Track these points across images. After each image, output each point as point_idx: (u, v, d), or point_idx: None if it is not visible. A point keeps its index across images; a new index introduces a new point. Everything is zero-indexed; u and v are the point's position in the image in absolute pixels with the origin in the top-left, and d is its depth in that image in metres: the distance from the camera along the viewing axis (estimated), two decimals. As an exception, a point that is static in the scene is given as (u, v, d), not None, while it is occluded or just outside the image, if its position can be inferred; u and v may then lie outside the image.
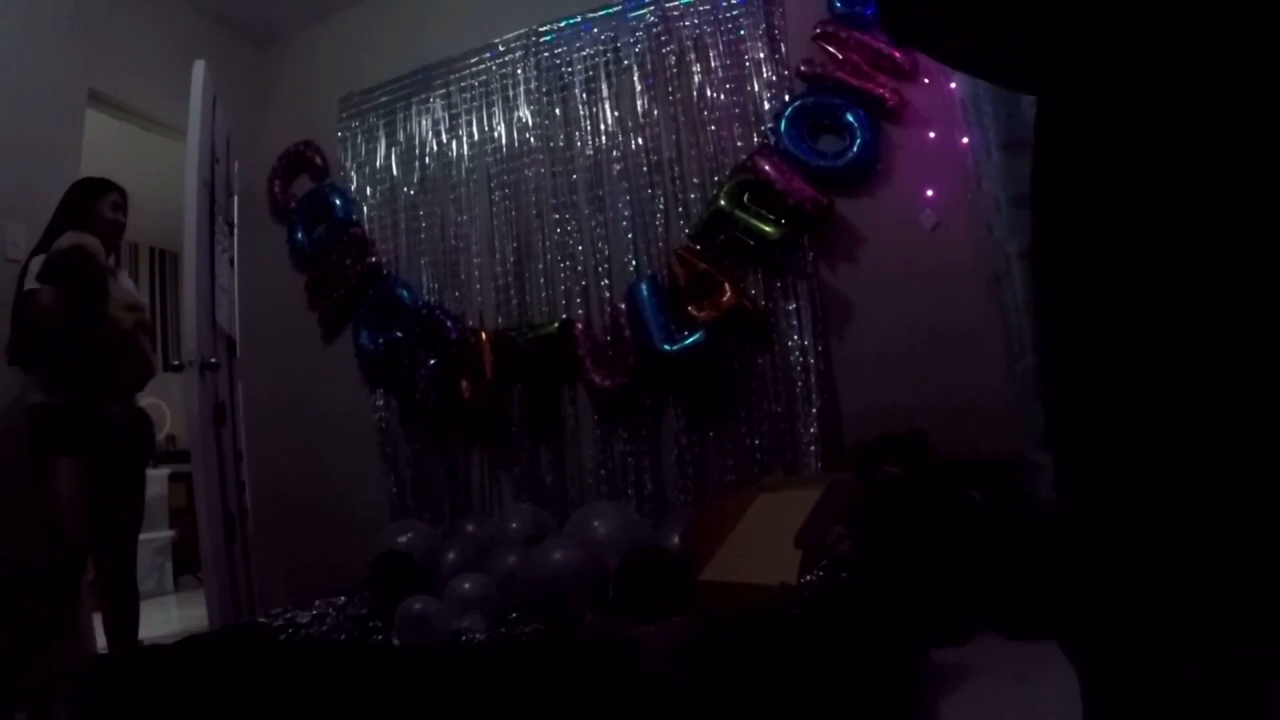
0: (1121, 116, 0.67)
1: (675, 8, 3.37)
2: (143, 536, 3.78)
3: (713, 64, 3.28)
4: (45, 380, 2.41)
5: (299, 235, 3.98)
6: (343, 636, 2.19)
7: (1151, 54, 0.65)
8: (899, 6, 0.81)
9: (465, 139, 3.73)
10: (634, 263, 3.33)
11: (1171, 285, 0.65)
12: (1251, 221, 0.62)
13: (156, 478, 5.26)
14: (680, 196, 3.29)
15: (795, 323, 3.05)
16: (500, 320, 3.55)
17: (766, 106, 3.17)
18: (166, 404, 5.74)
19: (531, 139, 3.59)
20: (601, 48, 3.50)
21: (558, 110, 3.57)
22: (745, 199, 3.07)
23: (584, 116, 3.50)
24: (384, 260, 3.79)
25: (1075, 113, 0.72)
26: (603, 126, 3.46)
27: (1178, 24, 0.64)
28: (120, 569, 2.56)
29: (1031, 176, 0.78)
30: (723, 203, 3.09)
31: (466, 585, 2.24)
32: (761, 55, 3.21)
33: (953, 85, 2.80)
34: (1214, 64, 0.63)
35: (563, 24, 3.58)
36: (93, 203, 2.58)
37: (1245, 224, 0.62)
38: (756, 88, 3.21)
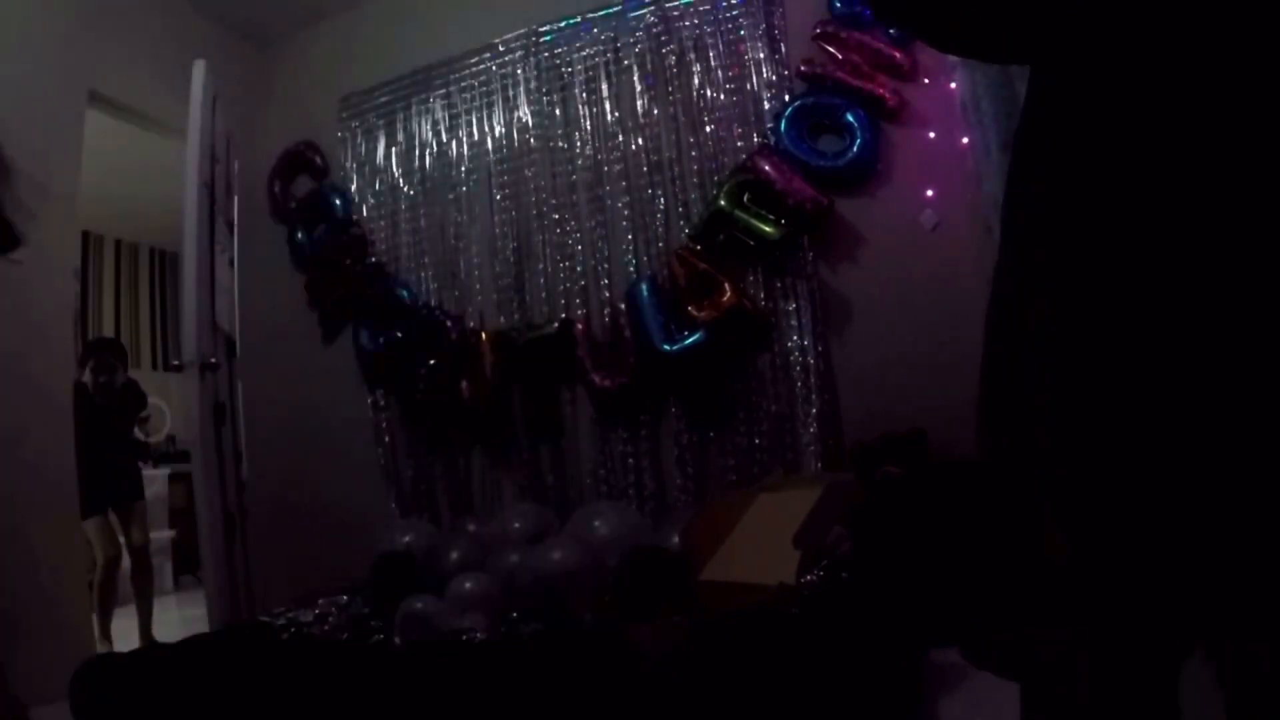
0: (1115, 107, 0.67)
1: (675, 8, 3.37)
2: (143, 536, 3.80)
3: (713, 64, 3.28)
4: None
5: (299, 235, 3.97)
6: (345, 636, 2.19)
7: (1146, 43, 0.65)
8: None
9: (465, 139, 3.73)
10: (634, 263, 3.33)
11: (1166, 274, 0.65)
12: (1245, 212, 0.62)
13: (157, 478, 5.27)
14: (680, 196, 3.29)
15: (795, 323, 3.05)
16: (500, 320, 3.55)
17: (766, 106, 3.17)
18: (166, 404, 5.74)
19: (531, 139, 3.59)
20: (601, 48, 3.50)
21: (558, 110, 3.57)
22: (745, 199, 3.07)
23: (584, 116, 3.49)
24: (384, 260, 3.79)
25: (1065, 101, 0.71)
26: (603, 126, 3.46)
27: (1173, 15, 0.64)
28: None
29: (1010, 164, 0.78)
30: (723, 203, 3.09)
31: (468, 585, 2.25)
32: (761, 55, 3.20)
33: (953, 85, 2.80)
34: (1209, 57, 0.63)
35: (563, 24, 3.58)
36: None
37: (1238, 214, 0.62)
38: (756, 88, 3.21)
